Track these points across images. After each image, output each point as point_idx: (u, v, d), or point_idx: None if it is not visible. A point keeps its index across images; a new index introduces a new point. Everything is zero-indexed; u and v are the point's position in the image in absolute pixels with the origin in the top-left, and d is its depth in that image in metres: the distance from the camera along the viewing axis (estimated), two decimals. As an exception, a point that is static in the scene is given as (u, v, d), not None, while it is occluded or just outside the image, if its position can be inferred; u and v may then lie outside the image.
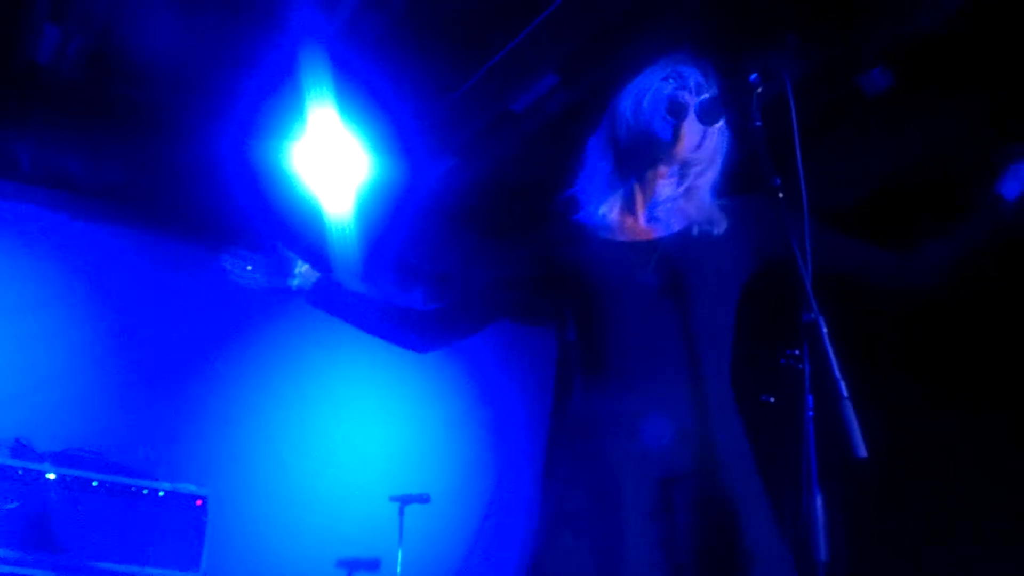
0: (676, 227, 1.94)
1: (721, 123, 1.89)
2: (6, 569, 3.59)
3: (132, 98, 4.52)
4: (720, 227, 1.92)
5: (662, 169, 1.95)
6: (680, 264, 1.86)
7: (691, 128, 1.89)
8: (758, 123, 1.75)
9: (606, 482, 1.72)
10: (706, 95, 1.87)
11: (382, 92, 4.23)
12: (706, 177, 1.97)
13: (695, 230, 1.92)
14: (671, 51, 2.00)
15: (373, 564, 4.88)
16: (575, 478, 1.76)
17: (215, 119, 4.55)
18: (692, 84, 1.93)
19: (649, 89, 1.94)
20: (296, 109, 4.21)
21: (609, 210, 1.95)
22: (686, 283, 1.85)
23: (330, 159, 4.50)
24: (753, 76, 1.76)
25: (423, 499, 4.74)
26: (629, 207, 1.97)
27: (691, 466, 1.72)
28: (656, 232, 1.94)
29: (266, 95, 4.31)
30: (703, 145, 1.93)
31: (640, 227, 1.96)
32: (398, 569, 4.65)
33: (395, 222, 5.05)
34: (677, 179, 1.96)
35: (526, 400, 5.86)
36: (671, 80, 1.94)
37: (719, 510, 1.68)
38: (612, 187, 1.97)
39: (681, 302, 1.83)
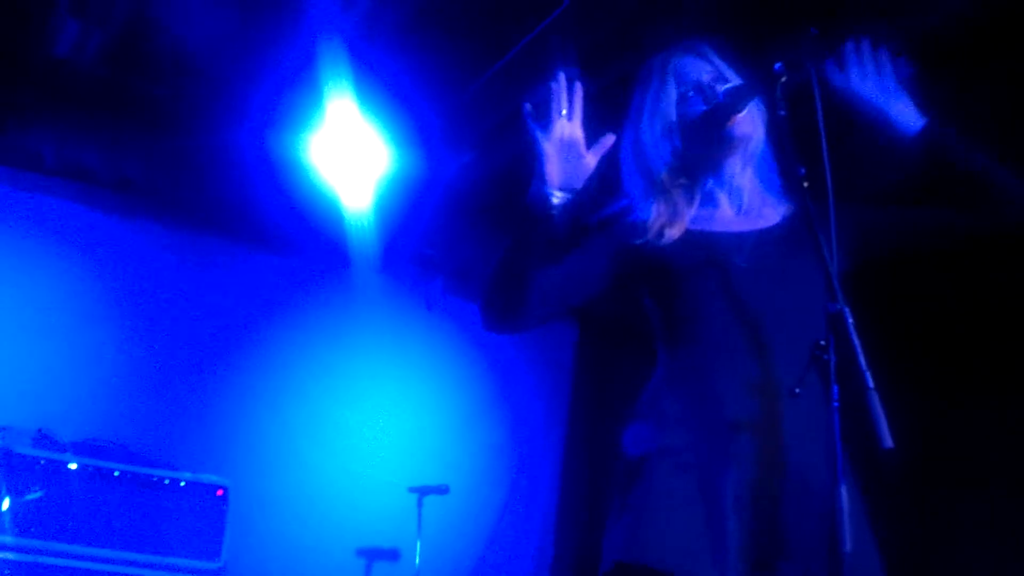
0: (773, 219, 1.93)
1: (748, 108, 1.88)
2: (28, 558, 3.62)
3: (152, 92, 4.54)
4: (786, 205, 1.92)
5: (732, 165, 1.94)
6: (776, 251, 1.85)
7: (741, 120, 1.89)
8: (782, 112, 1.74)
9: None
10: (731, 84, 1.87)
11: (401, 85, 4.23)
12: (759, 152, 1.96)
13: (792, 219, 1.90)
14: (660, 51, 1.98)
15: (392, 554, 4.91)
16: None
17: (234, 113, 4.56)
18: (709, 79, 1.92)
19: (673, 119, 1.93)
20: (315, 102, 4.22)
21: (679, 218, 1.91)
22: (779, 269, 1.83)
23: (349, 152, 4.51)
24: (777, 66, 1.75)
25: (442, 490, 4.76)
26: (710, 203, 1.95)
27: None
28: (750, 224, 1.92)
29: (285, 88, 4.32)
30: (755, 124, 1.93)
31: (728, 217, 1.94)
32: (417, 560, 4.67)
33: (413, 215, 5.05)
34: (744, 162, 1.95)
35: (545, 392, 5.87)
36: (692, 96, 1.93)
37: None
38: (670, 202, 1.93)
39: (772, 286, 1.80)
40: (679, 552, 1.61)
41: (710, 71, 1.94)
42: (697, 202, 1.94)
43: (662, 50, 2.01)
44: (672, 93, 1.94)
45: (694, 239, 1.87)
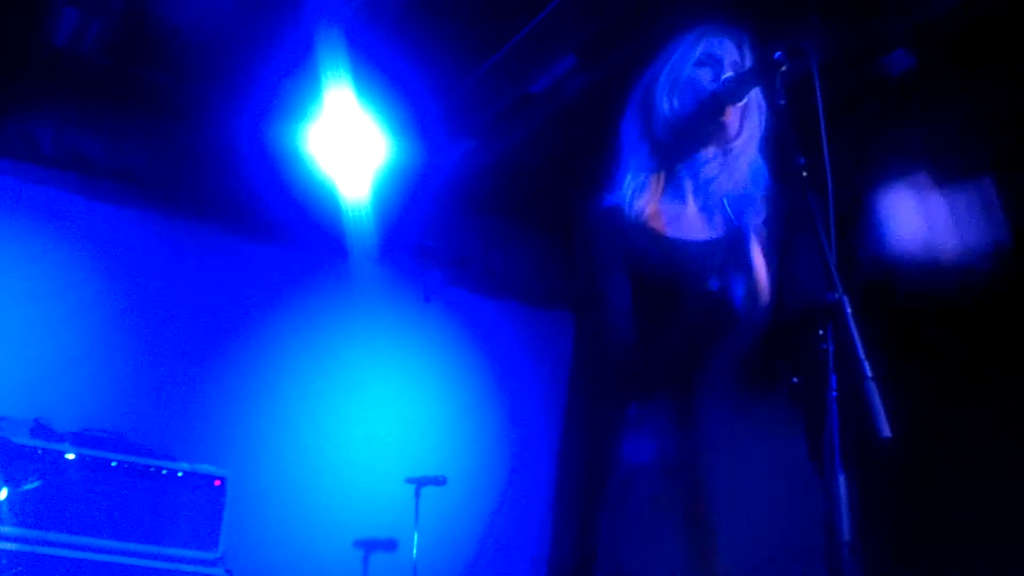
0: (728, 225, 1.91)
1: (747, 100, 1.87)
2: (26, 548, 3.62)
3: (151, 81, 4.53)
4: (759, 210, 1.90)
5: (705, 155, 1.93)
6: (737, 267, 1.84)
7: (733, 115, 1.88)
8: (782, 101, 1.73)
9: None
10: (730, 74, 1.85)
11: (400, 74, 4.22)
12: (747, 154, 1.94)
13: (745, 226, 1.89)
14: (702, 21, 1.98)
15: (390, 545, 4.91)
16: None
17: (234, 101, 4.55)
18: (728, 64, 1.90)
19: (682, 78, 1.92)
20: (314, 91, 4.21)
21: (656, 199, 1.93)
22: (744, 287, 1.83)
23: (348, 141, 4.49)
24: (778, 54, 1.74)
25: (439, 481, 4.76)
26: (679, 195, 1.95)
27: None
28: (711, 228, 1.91)
29: (284, 77, 4.30)
30: (744, 126, 1.91)
31: (694, 218, 1.93)
32: (414, 551, 4.67)
33: (413, 205, 5.04)
34: (721, 161, 1.94)
35: (543, 383, 5.86)
36: (706, 66, 1.92)
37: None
38: (653, 175, 1.94)
39: (737, 305, 1.82)
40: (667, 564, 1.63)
41: (735, 61, 1.92)
42: (666, 185, 1.95)
43: (698, 25, 2.01)
44: (693, 56, 1.94)
45: (666, 249, 1.87)
